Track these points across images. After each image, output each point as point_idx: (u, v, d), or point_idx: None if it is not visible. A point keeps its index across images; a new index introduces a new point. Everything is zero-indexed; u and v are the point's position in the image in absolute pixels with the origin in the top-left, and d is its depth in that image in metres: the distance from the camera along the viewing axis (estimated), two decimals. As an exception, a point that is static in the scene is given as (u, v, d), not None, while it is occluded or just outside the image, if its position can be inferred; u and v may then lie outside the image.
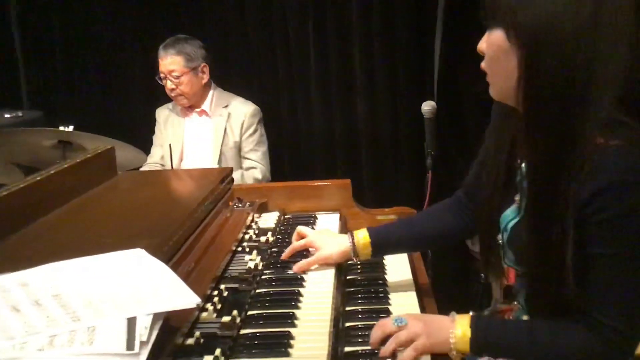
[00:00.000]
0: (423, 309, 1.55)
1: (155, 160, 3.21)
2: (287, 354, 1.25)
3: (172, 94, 3.09)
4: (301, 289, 1.53)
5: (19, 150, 2.90)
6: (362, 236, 1.63)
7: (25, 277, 1.17)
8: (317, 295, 1.51)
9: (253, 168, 3.12)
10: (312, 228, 1.91)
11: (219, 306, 1.38)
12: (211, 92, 3.18)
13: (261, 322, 1.38)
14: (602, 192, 1.15)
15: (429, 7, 3.44)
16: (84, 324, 1.05)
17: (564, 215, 1.18)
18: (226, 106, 3.15)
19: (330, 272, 1.63)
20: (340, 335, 1.40)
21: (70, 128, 2.87)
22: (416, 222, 1.71)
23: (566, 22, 1.15)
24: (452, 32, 3.33)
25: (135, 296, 1.11)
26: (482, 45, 1.29)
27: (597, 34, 1.15)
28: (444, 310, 1.37)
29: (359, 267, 1.73)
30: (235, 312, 1.34)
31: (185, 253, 1.49)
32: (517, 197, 1.37)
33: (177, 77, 3.03)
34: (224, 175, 2.05)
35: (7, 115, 3.48)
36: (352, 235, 1.64)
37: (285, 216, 2.10)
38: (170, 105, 3.23)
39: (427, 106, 2.32)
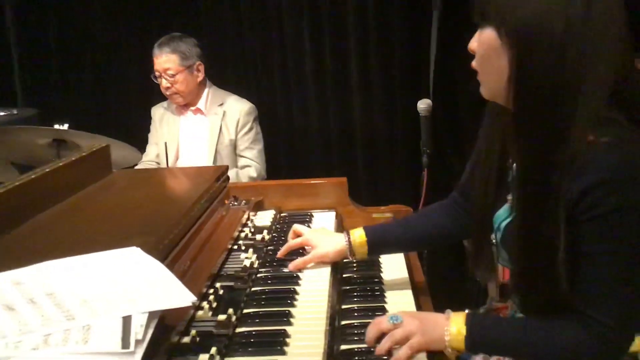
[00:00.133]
0: (419, 307, 1.55)
1: (150, 158, 3.21)
2: (283, 352, 1.25)
3: (167, 93, 3.08)
4: (297, 287, 1.53)
5: (13, 149, 2.90)
6: (359, 235, 1.63)
7: (20, 275, 1.16)
8: (313, 294, 1.51)
9: (248, 166, 3.11)
10: (308, 226, 1.91)
11: (214, 304, 1.38)
12: (206, 90, 3.17)
13: (257, 320, 1.37)
14: (592, 189, 1.16)
15: (425, 5, 3.44)
16: (78, 323, 1.05)
17: (555, 213, 1.19)
18: (221, 104, 3.14)
19: (326, 270, 1.62)
20: (336, 333, 1.40)
21: (65, 126, 2.86)
22: (412, 222, 1.71)
23: (557, 21, 1.15)
24: (448, 30, 3.34)
25: (130, 295, 1.11)
26: (473, 44, 1.30)
27: (588, 33, 1.16)
28: (440, 308, 1.37)
29: (354, 265, 1.73)
30: (231, 311, 1.34)
31: (181, 251, 1.49)
32: (509, 197, 1.38)
33: (172, 76, 3.02)
34: (220, 174, 2.04)
35: (1, 113, 3.48)
36: (348, 234, 1.64)
37: (281, 214, 2.10)
38: (165, 103, 3.23)
39: (423, 104, 2.32)
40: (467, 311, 1.34)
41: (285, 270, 1.63)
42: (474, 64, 1.31)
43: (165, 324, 1.13)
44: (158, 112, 3.24)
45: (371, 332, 1.31)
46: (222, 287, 1.47)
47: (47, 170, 1.67)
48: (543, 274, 1.22)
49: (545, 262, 1.21)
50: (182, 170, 2.90)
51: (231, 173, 2.84)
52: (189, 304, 1.13)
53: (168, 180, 2.30)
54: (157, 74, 3.06)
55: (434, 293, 1.66)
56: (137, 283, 1.14)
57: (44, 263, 1.19)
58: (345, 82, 3.61)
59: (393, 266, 1.75)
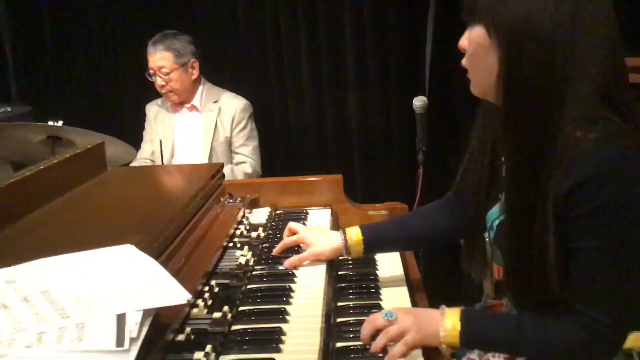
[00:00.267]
0: (414, 304, 1.55)
1: (145, 156, 3.20)
2: (278, 350, 1.24)
3: (162, 91, 3.07)
4: (292, 285, 1.53)
5: (7, 146, 2.88)
6: (355, 234, 1.63)
7: (14, 273, 1.16)
8: (309, 291, 1.51)
9: (243, 162, 3.11)
10: (304, 223, 1.90)
11: (209, 302, 1.38)
12: (201, 87, 3.16)
13: (252, 318, 1.37)
14: (581, 185, 1.16)
15: (421, 2, 3.44)
16: (73, 321, 1.04)
17: (544, 210, 1.19)
18: (216, 101, 3.13)
19: (322, 268, 1.62)
20: (331, 330, 1.40)
21: (60, 123, 2.85)
22: (408, 221, 1.72)
23: (546, 18, 1.16)
24: (444, 27, 3.33)
25: (125, 292, 1.10)
26: (463, 42, 1.31)
27: (577, 30, 1.17)
28: (435, 305, 1.37)
29: (350, 262, 1.73)
30: (226, 308, 1.33)
31: (176, 249, 1.49)
32: (501, 195, 1.38)
33: (167, 74, 3.01)
34: (215, 171, 2.04)
35: (-5, 110, 3.47)
36: (344, 233, 1.64)
37: (277, 212, 2.10)
38: (159, 101, 3.22)
39: (419, 101, 2.32)
40: (462, 307, 1.34)
41: (281, 267, 1.63)
42: (464, 61, 1.33)
43: (160, 321, 1.12)
44: (152, 109, 3.23)
45: (366, 330, 1.32)
46: (217, 284, 1.46)
47: (42, 167, 1.66)
48: (534, 272, 1.22)
49: (536, 260, 1.21)
50: (177, 167, 2.90)
51: (226, 169, 2.84)
52: (184, 301, 1.13)
53: (163, 177, 2.29)
54: (151, 72, 3.05)
55: (429, 290, 1.66)
56: (131, 281, 1.14)
57: (38, 261, 1.18)
58: (341, 79, 3.61)
59: (388, 264, 1.75)
